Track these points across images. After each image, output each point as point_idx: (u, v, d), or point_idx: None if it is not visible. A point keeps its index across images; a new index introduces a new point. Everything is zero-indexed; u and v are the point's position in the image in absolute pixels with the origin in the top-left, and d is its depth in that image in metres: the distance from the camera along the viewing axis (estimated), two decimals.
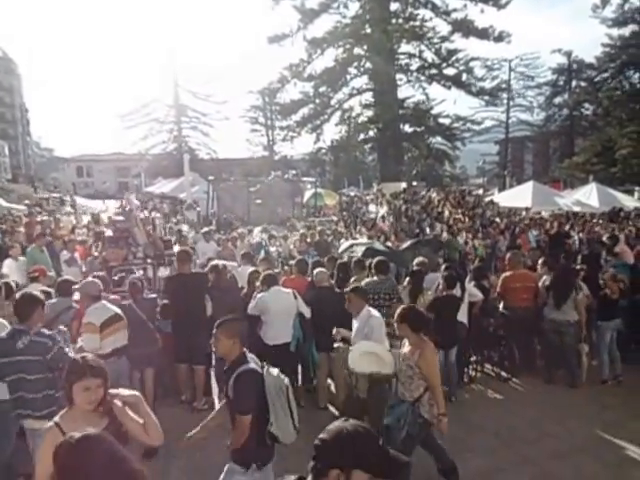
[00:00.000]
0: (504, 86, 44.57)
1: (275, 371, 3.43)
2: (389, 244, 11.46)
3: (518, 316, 7.23)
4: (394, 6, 38.93)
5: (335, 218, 20.79)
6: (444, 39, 38.92)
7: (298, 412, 6.03)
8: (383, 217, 20.31)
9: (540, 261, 7.98)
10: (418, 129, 41.62)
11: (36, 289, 5.20)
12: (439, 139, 43.06)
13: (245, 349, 3.49)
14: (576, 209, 20.55)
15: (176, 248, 8.80)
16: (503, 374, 7.34)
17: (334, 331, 5.28)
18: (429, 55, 40.05)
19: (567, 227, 15.97)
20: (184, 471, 4.77)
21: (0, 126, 62.61)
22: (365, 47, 38.76)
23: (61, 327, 4.67)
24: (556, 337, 6.94)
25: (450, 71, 40.12)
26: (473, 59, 39.70)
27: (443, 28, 38.98)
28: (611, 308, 6.98)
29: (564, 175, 41.78)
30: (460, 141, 43.01)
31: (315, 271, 6.69)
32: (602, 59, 43.65)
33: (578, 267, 8.06)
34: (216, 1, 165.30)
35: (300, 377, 6.92)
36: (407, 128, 41.82)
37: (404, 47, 39.91)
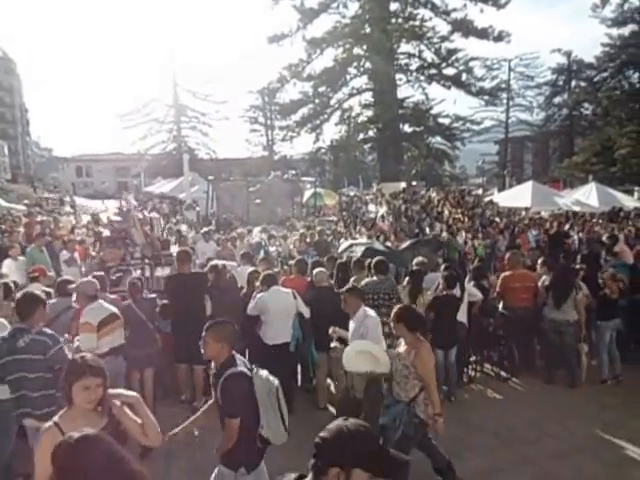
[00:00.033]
0: (504, 86, 44.58)
1: (264, 373, 3.39)
2: (389, 244, 11.47)
3: (517, 316, 7.23)
4: (394, 6, 38.97)
5: (335, 218, 20.78)
6: (444, 39, 38.93)
7: (298, 412, 6.08)
8: (383, 217, 20.31)
9: (539, 261, 7.99)
10: (418, 129, 41.61)
11: (36, 289, 5.20)
12: (439, 139, 43.07)
13: (234, 352, 3.46)
14: (576, 209, 20.56)
15: (174, 248, 8.80)
16: (503, 374, 7.34)
17: (330, 330, 5.27)
18: (429, 55, 40.10)
19: (567, 227, 16.00)
20: (184, 471, 4.77)
21: (0, 126, 62.59)
22: (365, 47, 38.74)
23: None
24: (556, 337, 6.94)
25: (450, 71, 40.16)
26: (473, 59, 39.72)
27: (443, 28, 39.06)
28: (610, 308, 6.98)
29: (564, 175, 41.80)
30: (460, 141, 43.01)
31: (314, 271, 6.69)
32: (602, 59, 43.69)
33: (577, 267, 8.06)
34: (215, 1, 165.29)
35: (300, 377, 6.93)
36: (407, 128, 41.82)
37: (404, 47, 39.95)
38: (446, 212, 20.26)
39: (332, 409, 6.20)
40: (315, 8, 38.93)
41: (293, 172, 31.72)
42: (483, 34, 37.69)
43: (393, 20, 38.27)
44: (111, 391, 2.83)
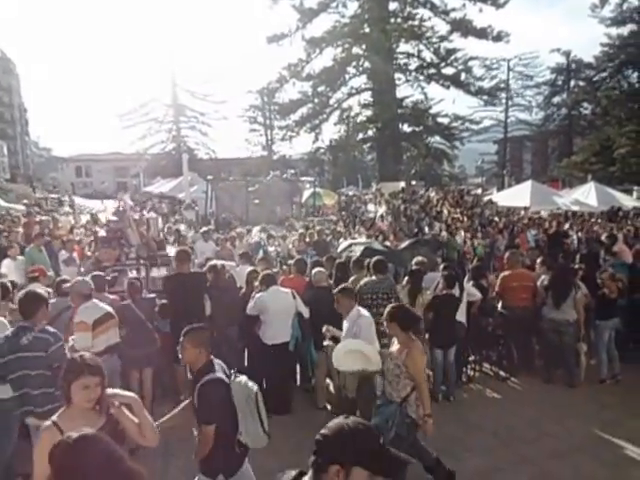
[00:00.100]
0: (503, 86, 44.55)
1: (243, 379, 3.38)
2: (388, 243, 11.46)
3: (517, 315, 7.23)
4: (393, 5, 38.90)
5: (334, 218, 20.79)
6: (443, 38, 38.88)
7: (297, 412, 6.09)
8: (382, 216, 20.31)
9: (538, 260, 7.99)
10: (417, 128, 41.57)
11: (36, 289, 5.21)
12: (438, 138, 43.02)
13: (212, 357, 3.43)
14: (575, 208, 20.58)
15: (171, 248, 8.79)
16: (502, 373, 7.34)
17: (324, 329, 5.27)
18: (428, 54, 40.04)
19: (566, 226, 16.00)
20: (183, 471, 4.76)
21: None
22: (364, 47, 38.70)
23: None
24: (555, 336, 6.94)
25: (449, 70, 40.11)
26: (472, 59, 39.67)
27: (442, 27, 39.01)
28: (609, 307, 6.98)
29: (563, 174, 41.83)
30: (459, 140, 42.97)
31: (313, 271, 6.70)
32: (601, 58, 43.73)
33: (576, 266, 8.06)
34: (215, 1, 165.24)
35: (299, 377, 6.93)
36: (406, 127, 41.77)
37: (403, 46, 39.88)
38: (445, 212, 20.28)
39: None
40: (314, 8, 38.90)
41: (292, 172, 31.75)
42: (482, 34, 37.67)
43: (392, 20, 38.21)
44: (109, 391, 2.84)
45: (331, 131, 66.94)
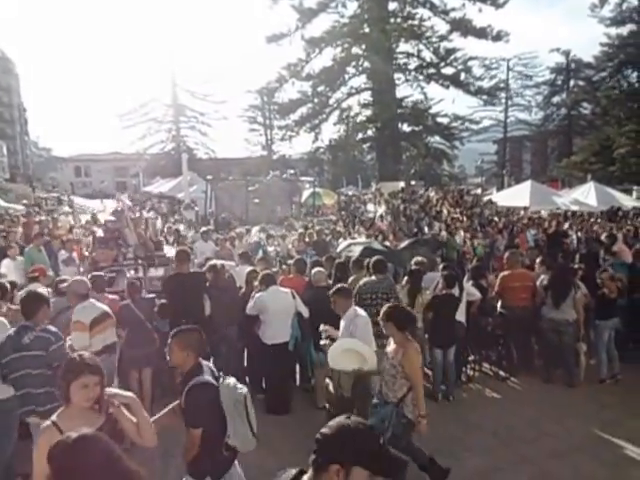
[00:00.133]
0: (502, 85, 44.56)
1: (232, 382, 3.34)
2: (387, 243, 11.46)
3: (516, 315, 7.23)
4: (392, 5, 38.85)
5: (333, 217, 20.78)
6: (442, 38, 38.85)
7: (296, 411, 6.09)
8: (381, 216, 20.31)
9: (538, 260, 7.99)
10: (416, 128, 41.53)
11: (37, 289, 5.22)
12: (437, 138, 42.99)
13: (200, 359, 3.41)
14: (574, 208, 20.59)
15: (168, 248, 8.78)
16: (501, 373, 7.34)
17: (321, 327, 5.26)
18: (427, 54, 39.99)
19: (565, 226, 15.99)
20: (182, 471, 4.76)
21: None
22: (363, 46, 38.67)
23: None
24: (555, 336, 6.94)
25: (448, 70, 40.07)
26: (471, 58, 39.64)
27: (441, 27, 38.95)
28: (609, 307, 6.97)
29: (562, 174, 41.88)
30: (458, 140, 42.95)
31: (313, 271, 6.70)
32: (600, 58, 43.76)
33: (576, 266, 8.06)
34: (214, 1, 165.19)
35: (298, 376, 6.93)
36: (405, 127, 41.72)
37: (402, 46, 39.83)
38: (445, 211, 20.29)
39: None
40: (314, 8, 38.86)
41: (292, 172, 31.62)
42: (482, 33, 37.65)
43: (392, 20, 38.18)
44: (108, 391, 2.84)
45: (331, 131, 66.87)
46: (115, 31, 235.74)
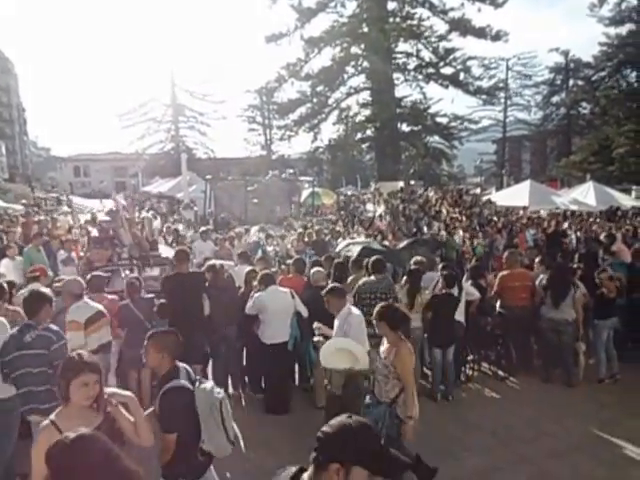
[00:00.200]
0: (501, 85, 44.53)
1: (208, 386, 3.29)
2: (386, 243, 11.46)
3: (515, 315, 7.23)
4: (391, 5, 38.82)
5: (333, 217, 20.77)
6: (441, 38, 38.82)
7: (295, 411, 6.09)
8: (380, 216, 20.29)
9: (537, 260, 7.99)
10: (415, 128, 41.51)
11: (40, 288, 5.23)
12: (436, 138, 42.96)
13: (177, 362, 3.37)
14: (573, 208, 20.59)
15: (166, 247, 8.75)
16: (500, 373, 7.35)
17: (315, 325, 5.26)
18: (426, 54, 39.96)
19: (564, 226, 15.99)
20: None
21: None
22: (362, 46, 38.65)
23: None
24: (554, 336, 6.94)
25: (447, 70, 40.03)
26: (470, 58, 39.61)
27: (440, 27, 38.90)
28: (608, 307, 6.99)
29: (561, 174, 41.89)
30: (457, 140, 42.93)
31: (311, 271, 6.70)
32: (599, 58, 43.77)
33: (575, 266, 8.07)
34: (214, 0, 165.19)
35: (297, 376, 6.93)
36: (404, 127, 41.70)
37: (401, 46, 39.80)
38: (444, 211, 20.26)
39: None
40: (313, 7, 38.82)
41: (291, 171, 31.57)
42: (481, 33, 37.63)
43: (391, 19, 38.16)
44: (107, 390, 2.85)
45: (330, 130, 66.76)
46: (114, 31, 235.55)
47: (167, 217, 20.45)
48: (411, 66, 40.52)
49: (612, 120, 39.72)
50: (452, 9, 37.76)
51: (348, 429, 1.69)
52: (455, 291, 6.59)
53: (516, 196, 21.54)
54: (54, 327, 4.25)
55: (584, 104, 47.90)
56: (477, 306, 7.10)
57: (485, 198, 24.30)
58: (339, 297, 5.13)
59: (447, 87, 40.27)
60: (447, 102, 69.87)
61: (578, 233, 14.84)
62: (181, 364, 3.40)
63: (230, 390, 6.80)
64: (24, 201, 27.26)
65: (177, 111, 58.31)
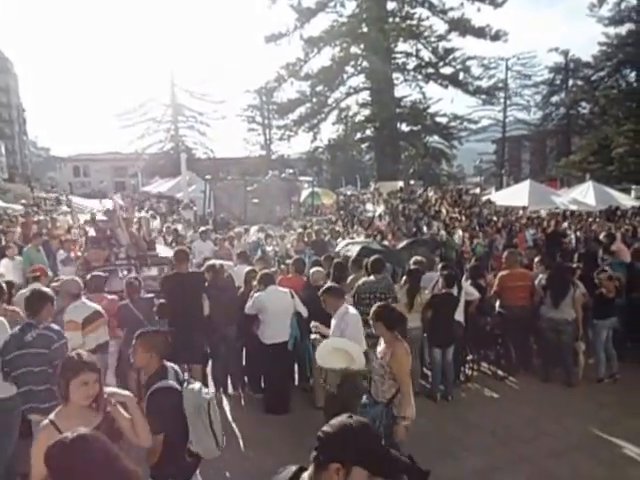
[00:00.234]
0: (501, 85, 44.53)
1: (196, 387, 3.28)
2: (386, 243, 11.46)
3: (515, 315, 7.23)
4: (391, 5, 38.82)
5: (332, 217, 20.78)
6: (441, 38, 38.83)
7: (295, 411, 6.09)
8: (380, 216, 20.30)
9: (536, 259, 8.00)
10: (415, 128, 41.50)
11: (42, 287, 5.24)
12: (436, 138, 42.96)
13: (165, 362, 3.37)
14: (573, 208, 20.58)
15: (166, 247, 8.73)
16: (500, 373, 7.35)
17: (312, 324, 5.26)
18: (426, 54, 39.96)
19: (564, 226, 15.99)
20: None
21: None
22: (362, 46, 38.64)
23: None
24: (553, 335, 6.95)
25: (447, 70, 40.04)
26: (470, 58, 39.61)
27: (440, 27, 38.91)
28: (607, 306, 6.99)
29: (561, 174, 41.88)
30: (457, 140, 42.93)
31: (311, 270, 6.70)
32: (599, 58, 43.79)
33: (574, 265, 8.07)
34: (213, 0, 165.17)
35: (297, 376, 6.93)
36: (404, 127, 41.70)
37: (401, 46, 39.81)
38: (443, 211, 20.27)
39: None
40: (312, 7, 38.82)
41: (290, 171, 31.57)
42: (480, 33, 37.63)
43: (390, 19, 38.18)
44: (107, 389, 2.85)
45: (329, 130, 66.75)
46: (114, 31, 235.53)
47: (166, 217, 20.44)
48: (410, 66, 40.54)
49: (611, 120, 39.73)
50: (451, 9, 37.80)
51: (349, 429, 1.70)
52: (455, 291, 6.59)
53: (516, 196, 21.53)
54: (55, 326, 4.27)
55: (584, 104, 47.94)
56: (477, 306, 7.10)
57: (485, 198, 24.31)
58: (335, 296, 5.13)
59: (447, 87, 40.28)
60: (447, 102, 69.97)
61: (578, 233, 14.83)
62: (169, 364, 3.40)
63: (230, 390, 6.81)
64: (23, 201, 27.25)
65: (177, 111, 58.28)
